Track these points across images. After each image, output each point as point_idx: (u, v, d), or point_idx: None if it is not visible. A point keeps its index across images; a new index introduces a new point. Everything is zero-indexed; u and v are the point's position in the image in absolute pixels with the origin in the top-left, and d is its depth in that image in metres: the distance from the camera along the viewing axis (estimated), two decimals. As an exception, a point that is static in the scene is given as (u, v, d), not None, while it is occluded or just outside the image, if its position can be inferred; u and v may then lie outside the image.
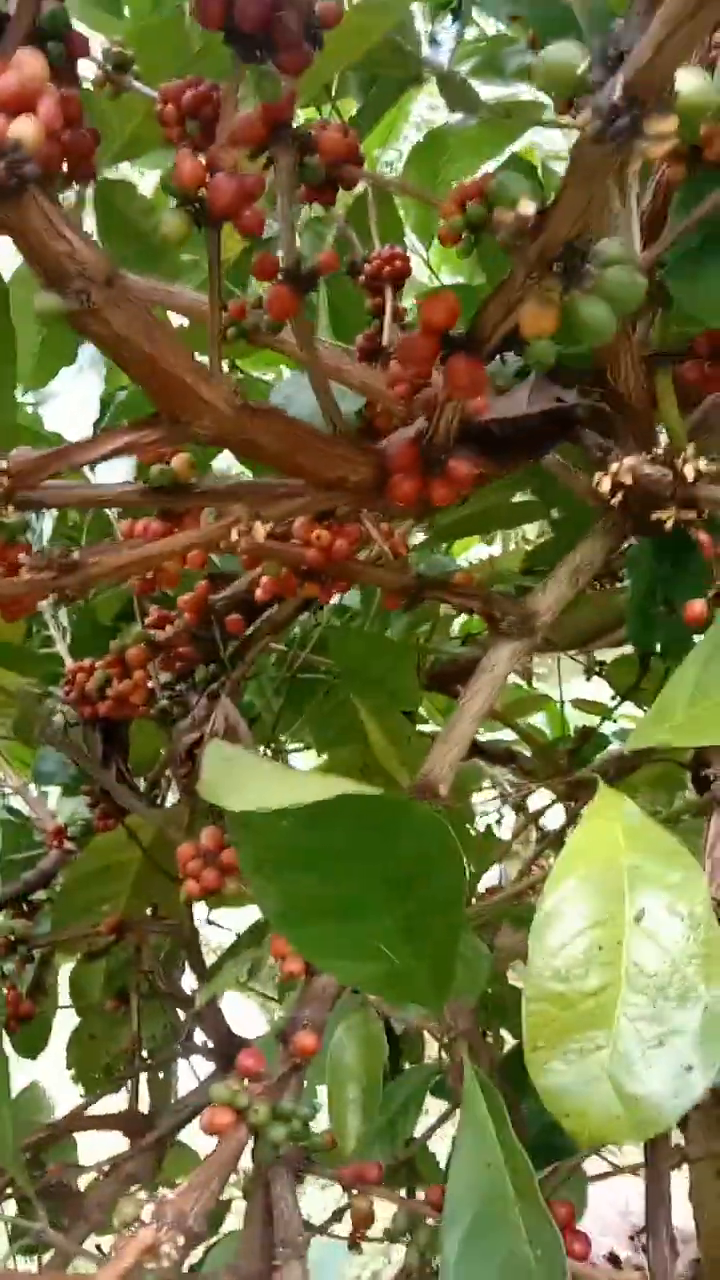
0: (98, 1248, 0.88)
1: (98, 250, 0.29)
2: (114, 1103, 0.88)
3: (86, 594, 0.35)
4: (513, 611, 0.49)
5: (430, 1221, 0.41)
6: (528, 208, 0.27)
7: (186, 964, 0.82)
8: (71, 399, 0.97)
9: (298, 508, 0.38)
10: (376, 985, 0.38)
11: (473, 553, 1.64)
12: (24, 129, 0.25)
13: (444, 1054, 0.81)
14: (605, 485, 0.39)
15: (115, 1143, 0.87)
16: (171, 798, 0.91)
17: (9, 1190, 0.76)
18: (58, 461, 0.33)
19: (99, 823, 0.86)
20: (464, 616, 1.09)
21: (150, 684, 0.72)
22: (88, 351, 0.95)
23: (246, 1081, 0.42)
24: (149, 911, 0.82)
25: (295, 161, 0.40)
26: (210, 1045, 0.82)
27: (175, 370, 0.31)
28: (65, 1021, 0.97)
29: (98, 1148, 1.00)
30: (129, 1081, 0.80)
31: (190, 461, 0.40)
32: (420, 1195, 0.73)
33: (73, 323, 0.29)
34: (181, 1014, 0.95)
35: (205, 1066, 0.91)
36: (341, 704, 0.98)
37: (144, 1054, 0.85)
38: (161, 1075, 1.00)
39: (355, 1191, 0.43)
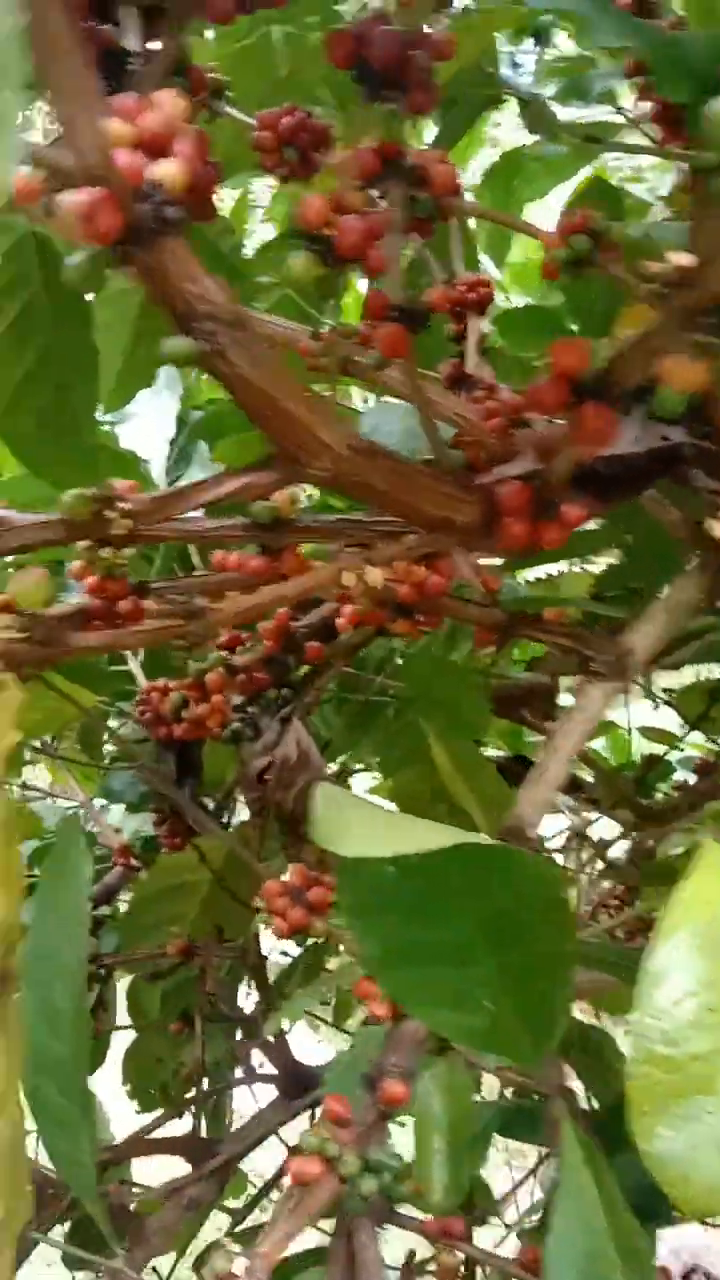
0: (154, 1269, 0.88)
1: (227, 292, 0.29)
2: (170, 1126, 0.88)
3: (210, 641, 0.34)
4: (606, 651, 0.48)
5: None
6: (683, 259, 0.26)
7: (250, 986, 0.82)
8: (148, 418, 0.97)
9: (405, 550, 0.37)
10: (474, 1037, 0.37)
11: (529, 571, 1.62)
12: (167, 171, 0.25)
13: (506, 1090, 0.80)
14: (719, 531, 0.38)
15: (169, 1162, 0.87)
16: (241, 817, 0.91)
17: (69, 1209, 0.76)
18: (177, 504, 0.33)
19: (165, 842, 0.86)
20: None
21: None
22: (165, 372, 0.95)
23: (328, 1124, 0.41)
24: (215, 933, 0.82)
25: (407, 195, 0.39)
26: (271, 1072, 0.82)
27: (296, 412, 0.31)
28: (120, 1035, 0.97)
29: (150, 1165, 1.00)
30: (192, 1105, 0.80)
31: (292, 498, 0.40)
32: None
33: (200, 363, 0.29)
34: (241, 1037, 0.94)
35: (263, 1091, 0.91)
36: (408, 726, 0.97)
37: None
38: (214, 1098, 1.00)
39: (441, 1245, 0.42)
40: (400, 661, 0.96)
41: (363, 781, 1.21)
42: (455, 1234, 0.42)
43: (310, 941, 1.15)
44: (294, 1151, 0.43)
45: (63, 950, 0.39)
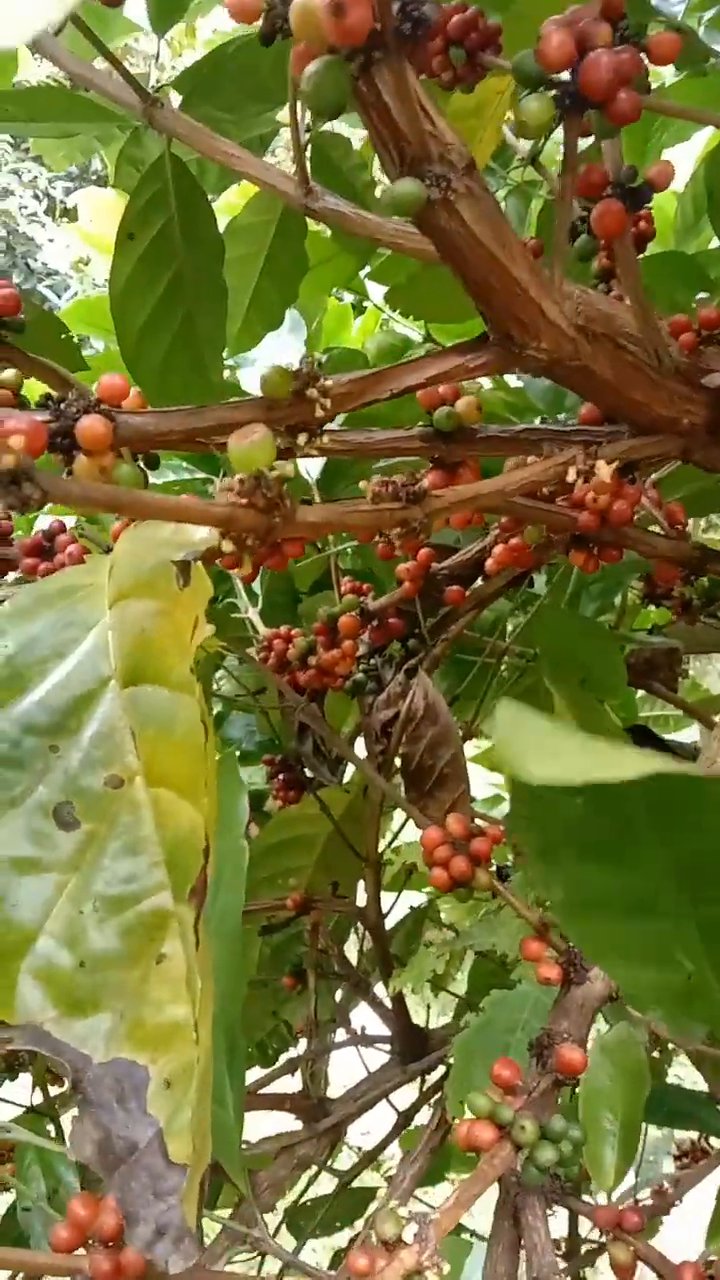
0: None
1: (458, 135, 0.25)
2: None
3: (430, 531, 0.31)
4: None
5: None
6: None
7: (370, 946, 0.79)
8: (271, 362, 0.94)
9: (623, 452, 0.33)
10: (666, 998, 0.34)
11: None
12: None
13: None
14: None
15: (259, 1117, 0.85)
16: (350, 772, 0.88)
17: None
18: (381, 385, 0.30)
19: (279, 794, 0.84)
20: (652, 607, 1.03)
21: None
22: (290, 316, 0.92)
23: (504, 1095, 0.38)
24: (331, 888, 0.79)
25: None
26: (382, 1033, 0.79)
27: (522, 280, 0.27)
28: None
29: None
30: (305, 1063, 0.78)
31: (478, 404, 0.36)
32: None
33: (422, 220, 0.25)
34: (339, 997, 0.92)
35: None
36: (527, 691, 0.93)
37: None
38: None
39: (612, 1237, 0.39)
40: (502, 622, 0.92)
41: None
42: (631, 1227, 0.39)
43: (422, 904, 1.12)
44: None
45: (220, 895, 0.36)
